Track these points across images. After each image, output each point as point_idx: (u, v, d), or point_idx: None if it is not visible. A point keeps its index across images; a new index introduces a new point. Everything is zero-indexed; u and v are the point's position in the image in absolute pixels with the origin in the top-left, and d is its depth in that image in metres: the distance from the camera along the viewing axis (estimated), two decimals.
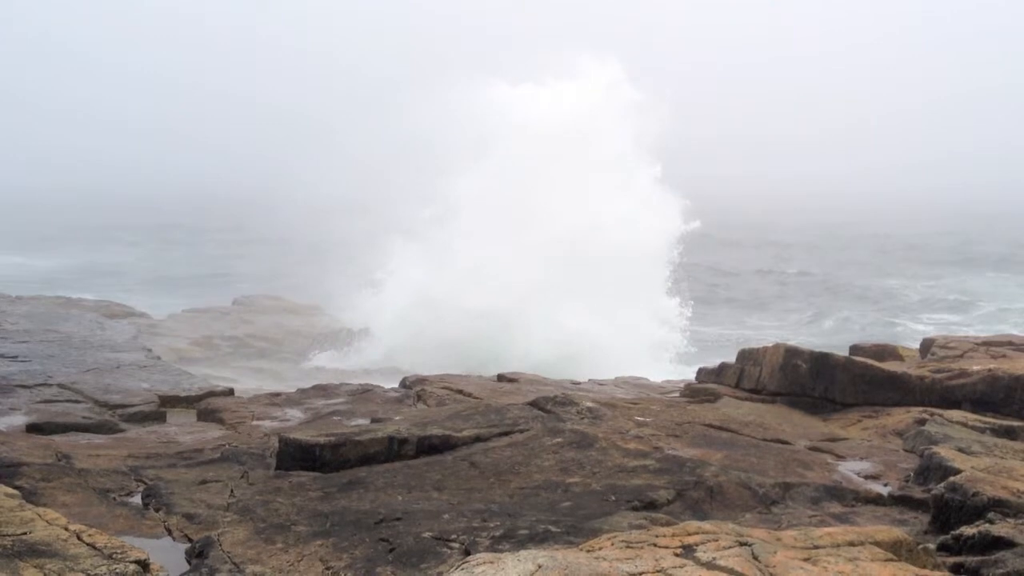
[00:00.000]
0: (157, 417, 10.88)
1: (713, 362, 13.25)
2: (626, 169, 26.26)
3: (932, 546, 5.40)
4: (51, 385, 11.54)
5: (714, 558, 4.09)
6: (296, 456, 7.79)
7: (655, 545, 4.27)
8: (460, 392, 11.41)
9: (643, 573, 3.87)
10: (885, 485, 7.72)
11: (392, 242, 25.31)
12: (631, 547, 4.25)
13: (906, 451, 8.87)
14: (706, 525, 4.64)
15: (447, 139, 26.96)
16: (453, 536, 5.71)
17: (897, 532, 4.92)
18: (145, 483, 7.40)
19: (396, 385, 12.54)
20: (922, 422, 9.53)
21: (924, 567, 4.51)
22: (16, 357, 13.07)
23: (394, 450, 7.94)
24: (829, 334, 31.19)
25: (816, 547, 4.38)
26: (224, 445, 8.84)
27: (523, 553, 4.08)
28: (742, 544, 4.30)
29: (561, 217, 23.88)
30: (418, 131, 27.78)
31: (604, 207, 24.54)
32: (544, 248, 23.09)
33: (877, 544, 4.51)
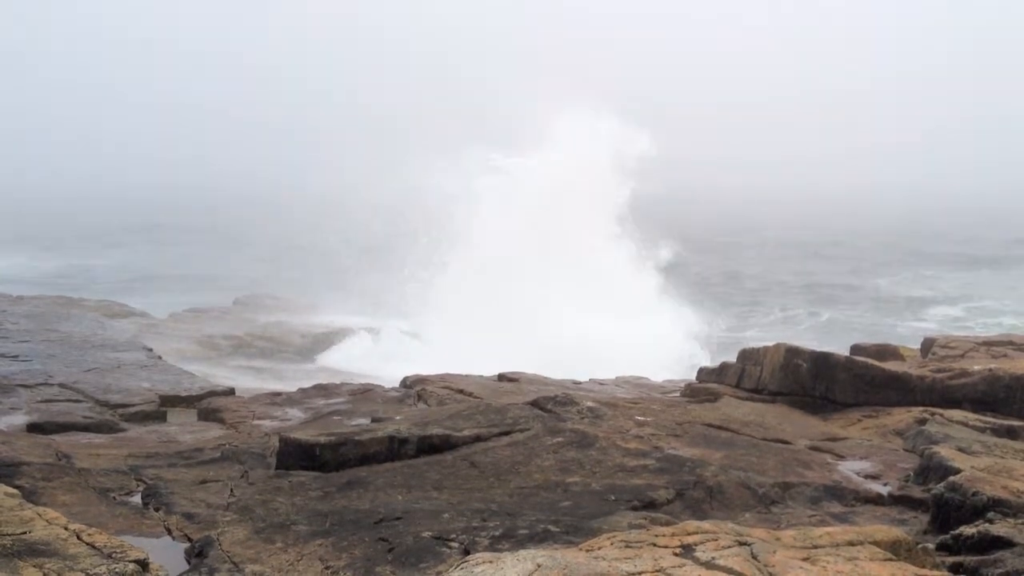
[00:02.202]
0: (158, 416, 10.90)
1: (714, 362, 13.24)
2: (629, 264, 24.36)
3: (931, 546, 5.40)
4: (52, 384, 11.56)
5: (713, 558, 4.09)
6: (296, 456, 7.79)
7: (654, 545, 4.27)
8: (461, 391, 11.39)
9: (642, 573, 3.86)
10: (885, 485, 7.72)
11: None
12: (630, 547, 4.25)
13: (906, 451, 8.86)
14: (705, 525, 4.63)
15: (437, 213, 25.38)
16: (452, 536, 5.71)
17: (896, 532, 4.91)
18: (145, 483, 7.40)
19: (397, 385, 12.53)
20: (923, 422, 9.53)
21: (923, 567, 4.51)
22: (17, 357, 13.09)
23: (394, 450, 7.94)
24: (830, 334, 31.16)
25: (815, 547, 4.37)
26: (224, 444, 8.85)
27: (522, 553, 4.08)
28: (741, 544, 4.30)
29: (557, 326, 20.63)
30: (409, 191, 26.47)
31: (605, 318, 21.34)
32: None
33: (876, 544, 4.50)
